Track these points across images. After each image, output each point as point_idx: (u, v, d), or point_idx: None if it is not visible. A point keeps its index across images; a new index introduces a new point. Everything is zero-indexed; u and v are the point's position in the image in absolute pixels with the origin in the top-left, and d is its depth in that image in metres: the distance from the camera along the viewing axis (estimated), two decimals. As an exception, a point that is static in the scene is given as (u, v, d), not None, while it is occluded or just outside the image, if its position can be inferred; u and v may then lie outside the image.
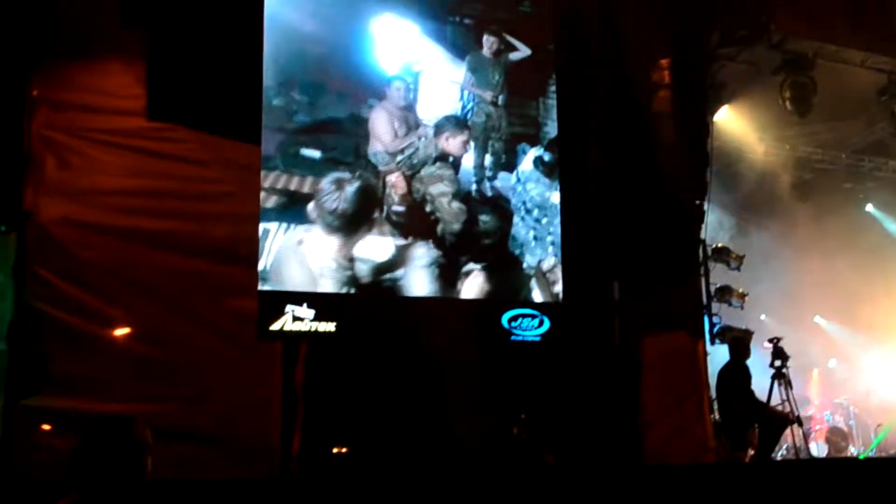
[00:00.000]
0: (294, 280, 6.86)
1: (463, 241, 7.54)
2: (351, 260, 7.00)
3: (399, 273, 7.23)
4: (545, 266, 7.94)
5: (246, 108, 6.77)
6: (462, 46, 7.84)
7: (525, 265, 7.86)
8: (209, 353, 6.51)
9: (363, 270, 7.07)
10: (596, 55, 8.32)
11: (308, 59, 7.14)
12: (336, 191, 6.97)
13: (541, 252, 7.92)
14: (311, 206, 6.94)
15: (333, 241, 6.96)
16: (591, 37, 8.34)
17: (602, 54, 8.32)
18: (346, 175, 7.03)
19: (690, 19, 8.67)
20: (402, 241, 7.28)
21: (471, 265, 7.56)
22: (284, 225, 6.84)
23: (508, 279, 7.79)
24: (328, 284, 6.95)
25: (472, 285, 7.57)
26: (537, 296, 7.84)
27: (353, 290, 7.06)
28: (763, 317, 11.66)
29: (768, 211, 13.38)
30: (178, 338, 6.46)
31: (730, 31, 9.42)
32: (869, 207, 14.32)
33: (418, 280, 7.30)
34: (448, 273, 7.44)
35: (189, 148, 6.70)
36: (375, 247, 7.15)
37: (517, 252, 7.85)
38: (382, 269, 7.17)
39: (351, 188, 7.03)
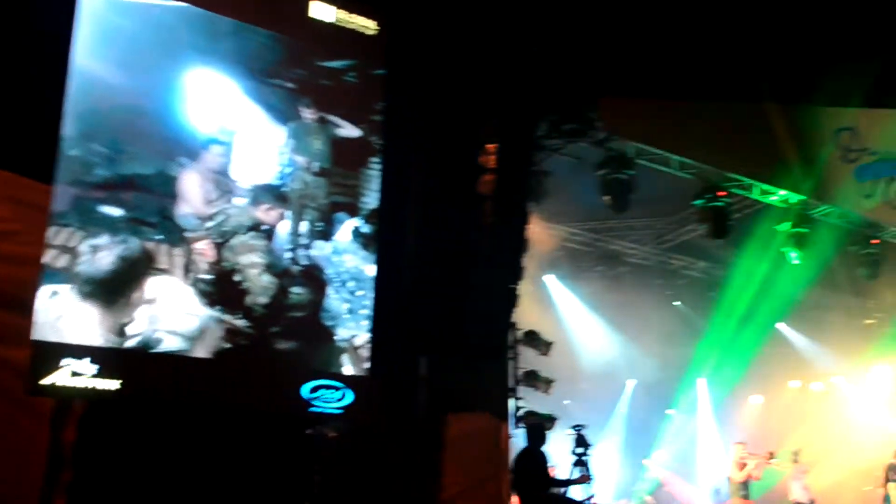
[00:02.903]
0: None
1: (272, 314, 7.24)
2: (121, 334, 6.45)
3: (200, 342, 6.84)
4: (357, 341, 7.75)
5: (40, 146, 6.26)
6: (283, 110, 7.58)
7: (337, 338, 7.63)
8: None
9: (157, 338, 6.63)
10: (422, 131, 8.36)
11: (113, 109, 6.62)
12: (91, 255, 6.37)
13: (354, 326, 7.72)
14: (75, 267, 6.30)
15: (106, 302, 6.40)
16: (419, 112, 8.39)
17: (429, 131, 8.36)
18: (106, 241, 6.46)
19: (520, 108, 8.89)
20: (207, 311, 6.89)
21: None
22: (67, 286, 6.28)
23: (319, 352, 7.53)
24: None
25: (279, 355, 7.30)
26: (348, 370, 7.63)
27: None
28: (566, 402, 11.90)
29: (582, 299, 13.82)
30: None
31: (557, 123, 9.75)
32: (677, 304, 15.07)
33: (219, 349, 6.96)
34: (254, 344, 7.12)
35: (-34, 180, 6.15)
36: (175, 314, 6.73)
37: (329, 324, 7.60)
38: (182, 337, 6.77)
39: (108, 255, 6.43)
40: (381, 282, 7.94)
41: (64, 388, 6.12)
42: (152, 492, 6.64)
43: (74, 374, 6.16)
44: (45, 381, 6.05)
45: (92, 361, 6.25)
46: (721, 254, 14.43)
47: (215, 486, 6.89)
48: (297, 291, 7.43)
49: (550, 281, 13.27)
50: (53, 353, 6.11)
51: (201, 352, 6.83)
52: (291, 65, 7.68)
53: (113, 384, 6.33)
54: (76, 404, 6.35)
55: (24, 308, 6.03)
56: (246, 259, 7.15)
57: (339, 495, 7.69)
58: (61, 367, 6.10)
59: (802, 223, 11.77)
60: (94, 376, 6.24)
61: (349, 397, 7.48)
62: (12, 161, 6.25)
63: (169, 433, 6.76)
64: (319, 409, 7.32)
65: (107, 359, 6.33)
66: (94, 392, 6.23)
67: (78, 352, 6.20)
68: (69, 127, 6.40)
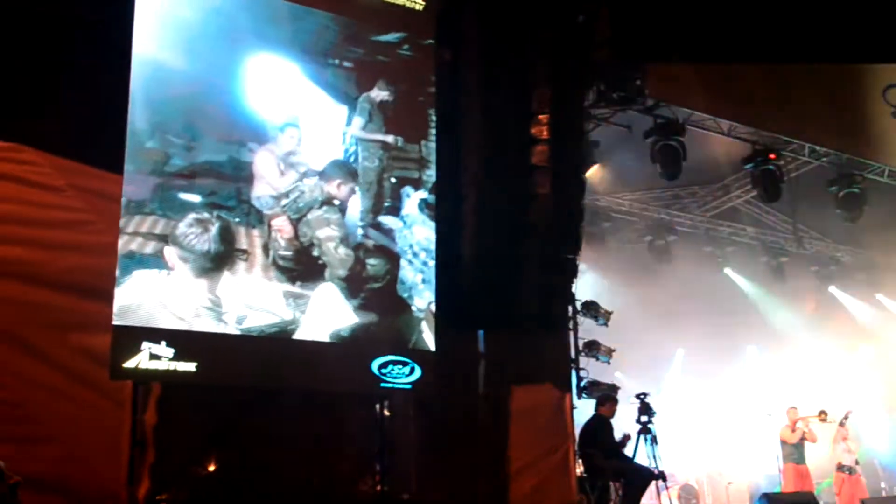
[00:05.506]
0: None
1: (351, 286, 7.35)
2: (218, 302, 6.63)
3: (281, 318, 6.95)
4: (434, 309, 7.83)
5: (108, 137, 6.37)
6: (343, 89, 7.66)
7: (414, 308, 7.73)
8: (52, 392, 6.01)
9: (241, 316, 6.76)
10: (475, 102, 8.36)
11: (182, 100, 6.77)
12: (203, 232, 6.61)
13: (430, 295, 7.83)
14: (169, 250, 6.47)
15: (202, 283, 6.58)
16: (471, 83, 8.39)
17: (481, 101, 8.36)
18: (206, 215, 6.68)
19: (570, 77, 8.83)
20: (288, 286, 7.01)
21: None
22: (156, 271, 6.42)
23: (398, 323, 7.62)
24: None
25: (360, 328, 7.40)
26: (428, 338, 7.71)
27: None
28: (617, 373, 11.82)
29: (632, 270, 13.72)
30: (18, 375, 5.93)
31: (606, 92, 9.67)
32: (727, 271, 14.94)
33: (303, 325, 7.05)
34: (335, 317, 7.22)
35: (39, 171, 6.26)
36: (258, 292, 6.86)
37: (405, 296, 7.71)
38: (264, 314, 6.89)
39: (214, 228, 6.67)
40: (441, 257, 7.96)
41: (146, 371, 6.23)
42: (230, 470, 6.80)
43: (153, 357, 6.26)
44: (127, 364, 6.15)
45: (168, 344, 6.34)
46: (770, 219, 14.35)
47: (289, 463, 7.00)
48: (373, 263, 7.55)
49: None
50: (133, 338, 6.20)
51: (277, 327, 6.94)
52: (349, 44, 7.73)
53: (189, 366, 6.42)
54: (155, 387, 6.49)
55: (103, 296, 6.14)
56: (322, 233, 7.28)
57: (407, 472, 7.77)
58: (142, 350, 6.20)
59: (854, 183, 11.61)
60: (172, 359, 6.33)
61: (417, 372, 7.51)
62: (82, 152, 6.40)
63: (243, 412, 6.88)
64: (390, 385, 7.36)
65: (182, 341, 6.41)
66: (173, 374, 6.33)
67: (154, 335, 6.29)
68: (144, 119, 6.53)
